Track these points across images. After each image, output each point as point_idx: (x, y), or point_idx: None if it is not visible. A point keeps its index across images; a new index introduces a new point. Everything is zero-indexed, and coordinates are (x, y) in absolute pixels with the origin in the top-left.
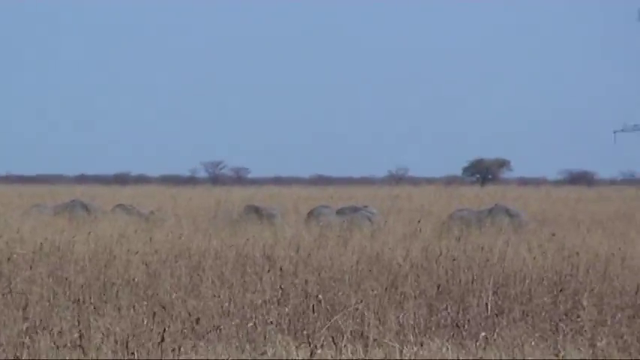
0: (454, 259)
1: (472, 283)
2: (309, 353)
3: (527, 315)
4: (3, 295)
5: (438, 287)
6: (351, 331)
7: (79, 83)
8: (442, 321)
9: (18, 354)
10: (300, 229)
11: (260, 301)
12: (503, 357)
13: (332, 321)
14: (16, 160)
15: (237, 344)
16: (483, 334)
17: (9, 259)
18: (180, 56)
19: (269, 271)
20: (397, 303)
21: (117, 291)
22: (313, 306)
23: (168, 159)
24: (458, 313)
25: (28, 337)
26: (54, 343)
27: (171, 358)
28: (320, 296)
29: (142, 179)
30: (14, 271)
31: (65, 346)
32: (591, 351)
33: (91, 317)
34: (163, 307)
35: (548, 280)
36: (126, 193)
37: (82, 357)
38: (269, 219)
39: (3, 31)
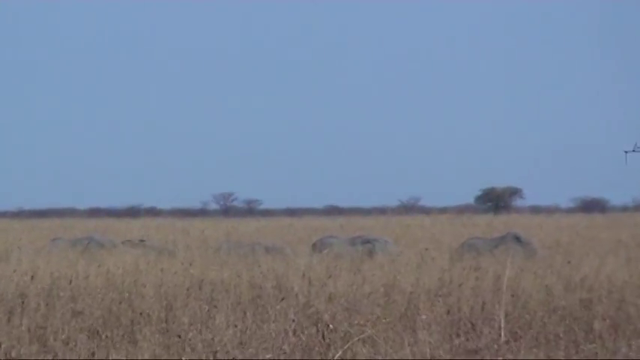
0: (461, 285)
1: (484, 310)
2: None
3: (542, 342)
4: (20, 329)
5: (450, 314)
6: None
7: (90, 116)
8: (456, 348)
9: None
10: (312, 260)
11: (274, 332)
12: None
13: (344, 348)
14: (27, 194)
15: None
16: None
17: (24, 294)
18: (192, 89)
19: (282, 300)
20: (411, 331)
21: (132, 323)
22: (325, 334)
23: (180, 191)
24: (472, 339)
25: None
26: None
27: None
28: (331, 326)
29: (153, 212)
30: (30, 306)
31: None
32: None
33: (107, 350)
34: (179, 338)
35: (560, 308)
36: (138, 226)
37: None
38: (280, 251)
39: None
